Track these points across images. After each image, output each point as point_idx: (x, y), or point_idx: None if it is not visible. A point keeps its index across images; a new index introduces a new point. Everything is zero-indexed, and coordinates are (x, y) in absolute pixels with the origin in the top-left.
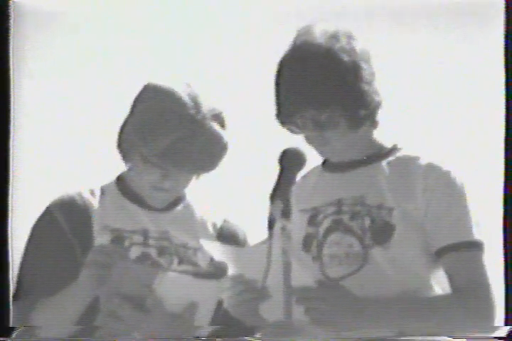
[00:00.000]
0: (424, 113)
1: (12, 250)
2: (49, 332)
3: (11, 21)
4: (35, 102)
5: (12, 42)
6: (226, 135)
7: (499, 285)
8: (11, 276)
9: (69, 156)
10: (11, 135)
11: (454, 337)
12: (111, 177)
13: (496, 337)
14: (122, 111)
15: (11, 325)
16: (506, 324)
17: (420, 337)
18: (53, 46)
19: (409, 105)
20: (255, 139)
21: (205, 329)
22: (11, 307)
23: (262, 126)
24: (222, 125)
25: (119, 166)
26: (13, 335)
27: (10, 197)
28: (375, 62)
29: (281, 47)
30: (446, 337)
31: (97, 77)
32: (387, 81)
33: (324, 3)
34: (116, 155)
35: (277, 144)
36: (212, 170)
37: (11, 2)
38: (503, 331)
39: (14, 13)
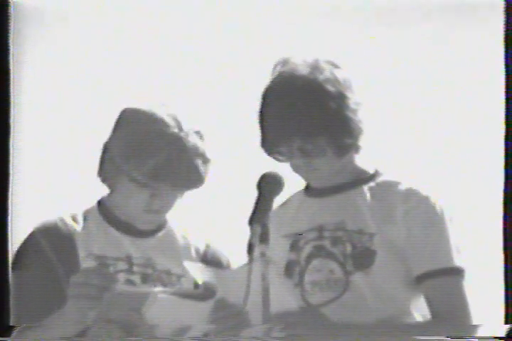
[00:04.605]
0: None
1: (12, 250)
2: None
3: (11, 21)
4: (34, 102)
5: (12, 43)
6: (208, 149)
7: (499, 286)
8: (10, 276)
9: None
10: (11, 131)
11: (454, 338)
12: (92, 201)
13: (495, 337)
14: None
15: (10, 324)
16: (506, 323)
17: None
18: (53, 46)
19: (398, 124)
20: (236, 163)
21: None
22: (11, 306)
23: (242, 150)
24: (203, 140)
25: (98, 190)
26: (13, 335)
27: (10, 195)
28: (377, 66)
29: (263, 74)
30: (445, 337)
31: (97, 76)
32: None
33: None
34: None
35: (259, 168)
36: (201, 184)
37: (11, 2)
38: (502, 330)
39: (14, 13)
